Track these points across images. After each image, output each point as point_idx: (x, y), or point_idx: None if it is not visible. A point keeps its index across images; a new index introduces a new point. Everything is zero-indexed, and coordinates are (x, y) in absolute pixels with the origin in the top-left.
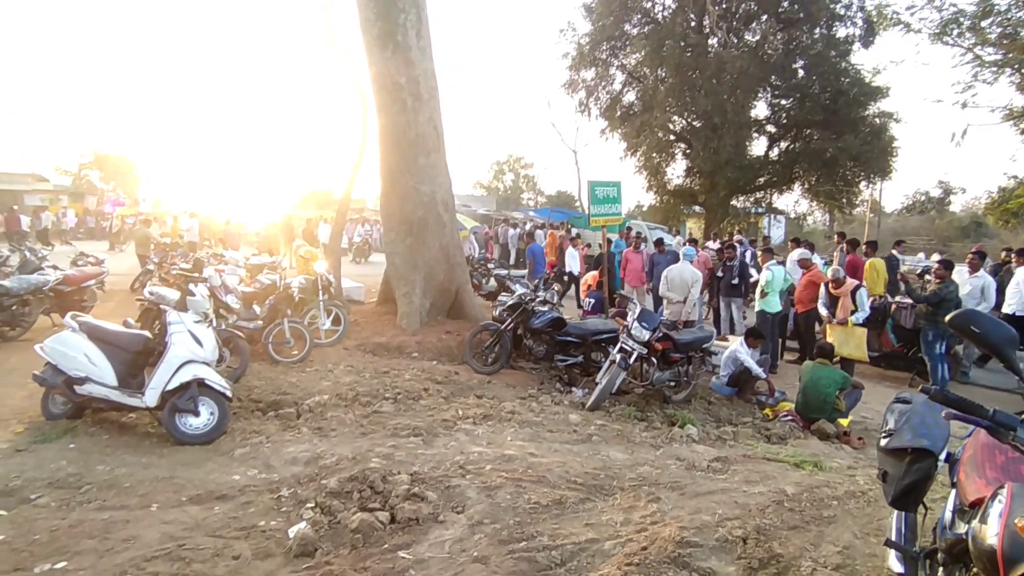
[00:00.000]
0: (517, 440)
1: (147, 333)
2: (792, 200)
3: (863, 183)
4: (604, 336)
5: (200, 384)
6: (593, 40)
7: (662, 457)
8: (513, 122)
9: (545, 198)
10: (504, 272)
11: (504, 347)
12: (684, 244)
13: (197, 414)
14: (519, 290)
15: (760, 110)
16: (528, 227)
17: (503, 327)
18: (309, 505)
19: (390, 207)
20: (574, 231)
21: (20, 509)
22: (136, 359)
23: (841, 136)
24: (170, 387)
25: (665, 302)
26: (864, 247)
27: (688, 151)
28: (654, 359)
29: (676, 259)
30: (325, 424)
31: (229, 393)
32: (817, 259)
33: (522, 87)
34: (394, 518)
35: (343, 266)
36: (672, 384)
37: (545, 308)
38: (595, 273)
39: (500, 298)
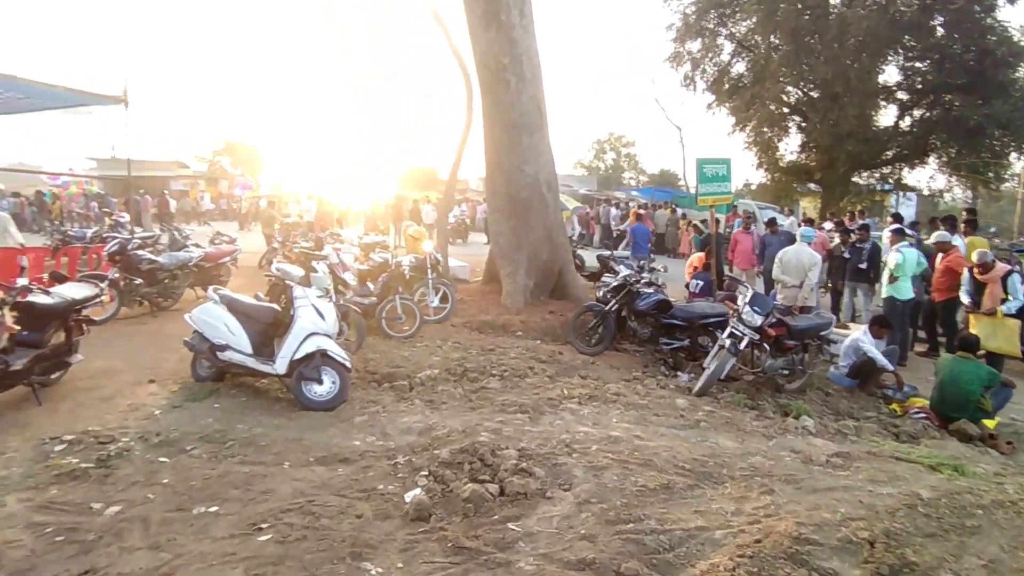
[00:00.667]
0: (623, 422)
1: (276, 306)
2: (926, 176)
3: (1013, 154)
4: (712, 320)
5: (323, 355)
6: (700, 9)
7: (775, 448)
8: (614, 99)
9: (647, 177)
10: (608, 253)
11: (608, 328)
12: (799, 224)
13: (321, 382)
14: (624, 271)
15: (890, 75)
16: (632, 206)
17: (607, 308)
18: (423, 473)
19: (495, 187)
20: (679, 211)
21: (179, 458)
22: (267, 330)
23: (988, 101)
24: (297, 356)
25: (778, 286)
26: (963, 225)
27: (804, 124)
28: (766, 345)
29: (790, 240)
30: (436, 397)
31: (349, 364)
32: (958, 240)
33: (623, 63)
34: (503, 491)
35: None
36: (786, 372)
37: (650, 290)
38: (701, 255)
39: (604, 279)
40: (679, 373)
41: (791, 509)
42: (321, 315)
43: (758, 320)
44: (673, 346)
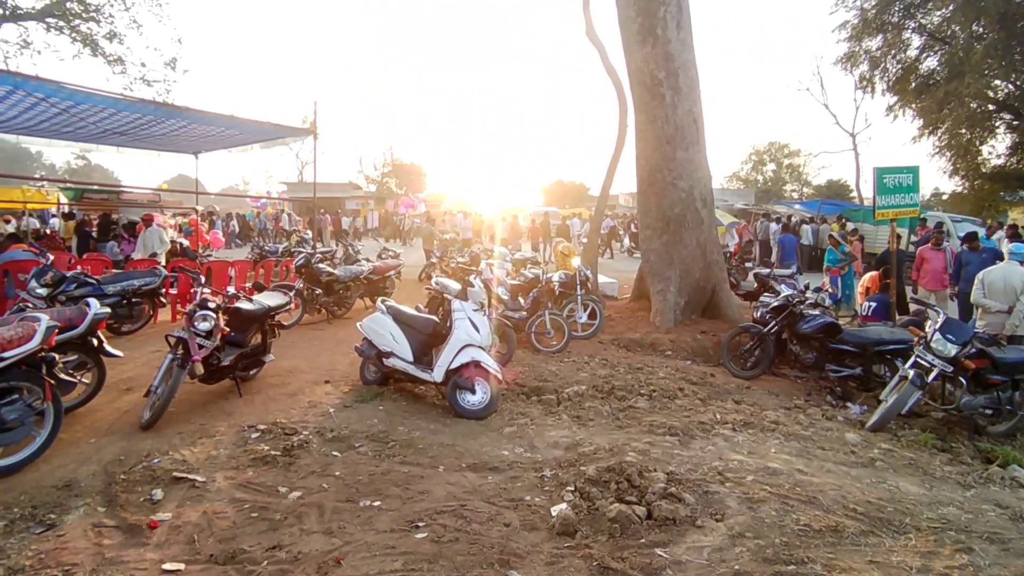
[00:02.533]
0: (782, 453)
1: (435, 318)
2: None
3: None
4: (890, 347)
5: (477, 365)
6: (881, 3)
7: (974, 499)
8: (773, 107)
9: (812, 189)
10: (766, 271)
11: (766, 351)
12: (1007, 239)
13: (474, 392)
14: (785, 291)
15: None
16: (795, 220)
17: (766, 330)
18: (569, 488)
19: (647, 203)
20: (850, 225)
21: (348, 453)
22: (427, 340)
23: None
24: (453, 366)
25: (979, 311)
26: None
27: (1015, 123)
28: (963, 379)
29: (996, 258)
30: (583, 413)
31: (500, 376)
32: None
33: (784, 68)
34: (651, 514)
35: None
36: (989, 412)
37: (815, 312)
38: (875, 273)
39: (763, 299)
40: (849, 404)
41: (994, 573)
42: (476, 328)
43: (952, 350)
44: (842, 374)
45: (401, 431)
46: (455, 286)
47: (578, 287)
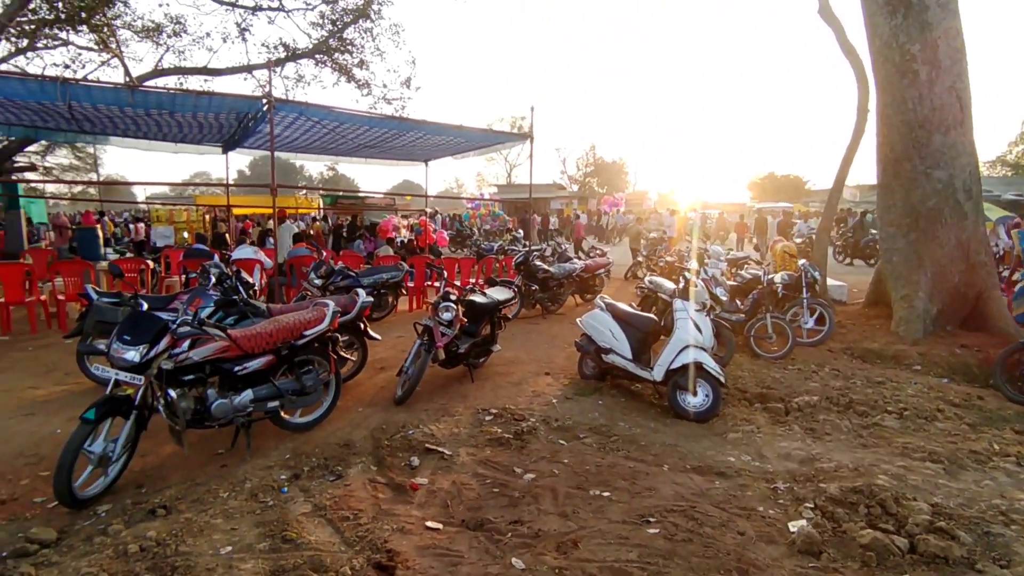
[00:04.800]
0: None
1: (655, 317)
2: None
3: None
4: None
5: (698, 367)
6: None
7: None
8: None
9: None
10: None
11: None
12: None
13: (695, 394)
14: None
15: None
16: None
17: None
18: (808, 505)
19: (890, 197)
20: None
21: (574, 444)
22: (646, 338)
23: None
24: (674, 366)
25: None
26: None
27: None
28: None
29: None
30: (817, 426)
31: (723, 379)
32: None
33: None
34: (914, 548)
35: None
36: None
37: None
38: None
39: None
40: None
41: None
42: (699, 328)
43: None
44: None
45: (622, 427)
46: (669, 285)
47: (804, 289)
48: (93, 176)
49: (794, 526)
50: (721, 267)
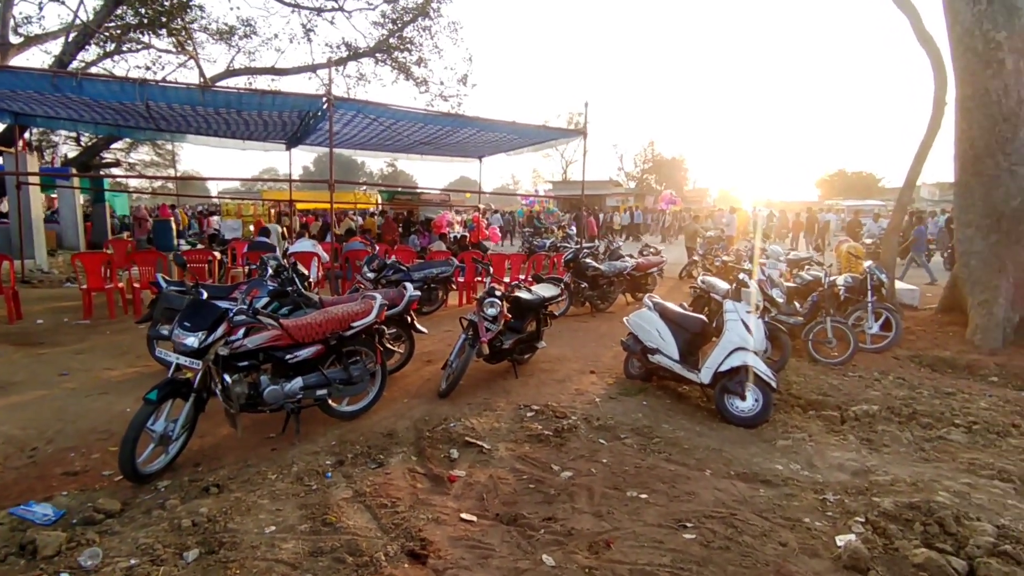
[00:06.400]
0: None
1: (703, 317)
2: None
3: None
4: None
5: (748, 370)
6: None
7: None
8: None
9: None
10: None
11: None
12: None
13: (744, 398)
14: None
15: None
16: None
17: None
18: (858, 519)
19: (969, 196)
20: None
21: (614, 444)
22: (694, 339)
23: None
24: (722, 369)
25: None
26: None
27: None
28: None
29: None
30: (875, 437)
31: (774, 384)
32: None
33: None
34: (972, 572)
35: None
36: None
37: None
38: None
39: None
40: None
41: None
42: (749, 330)
43: None
44: None
45: (665, 428)
46: (723, 285)
47: (869, 292)
48: (171, 171)
49: (841, 540)
50: (780, 267)
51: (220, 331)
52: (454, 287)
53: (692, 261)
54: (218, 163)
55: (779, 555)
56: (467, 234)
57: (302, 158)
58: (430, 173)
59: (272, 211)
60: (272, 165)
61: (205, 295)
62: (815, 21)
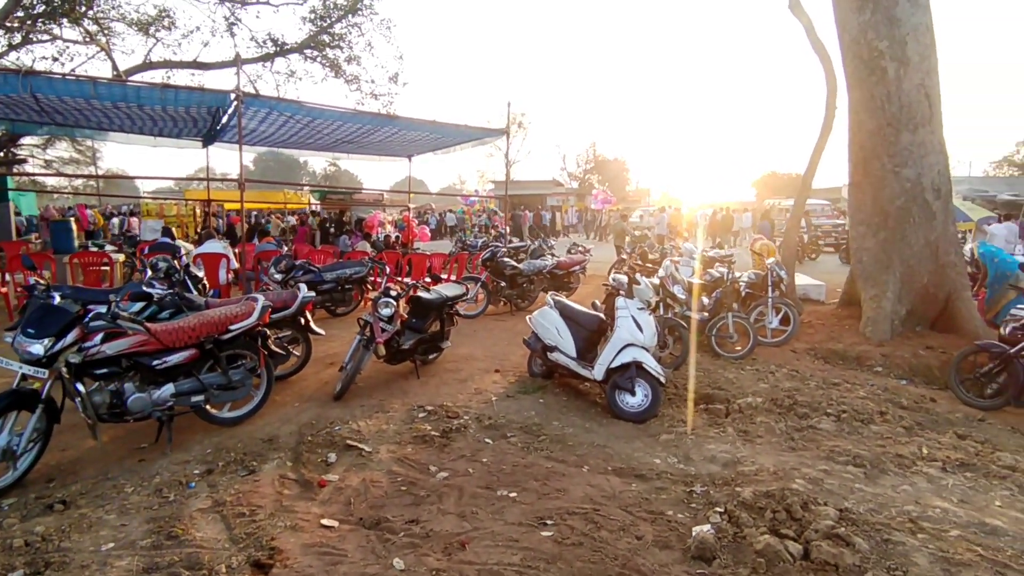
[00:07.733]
0: (1011, 509)
1: (602, 315)
2: None
3: None
4: None
5: (638, 366)
6: None
7: None
8: None
9: None
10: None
11: (1015, 377)
12: None
13: (633, 393)
14: None
15: None
16: None
17: (1014, 350)
18: (718, 509)
19: (860, 196)
20: None
21: (499, 442)
22: (592, 337)
23: None
24: (613, 365)
25: None
26: None
27: None
28: None
29: None
30: (752, 428)
31: (663, 379)
32: None
33: None
34: (807, 554)
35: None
36: None
37: None
38: None
39: (1014, 311)
40: None
41: None
42: (639, 327)
43: None
44: None
45: (555, 426)
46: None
47: (769, 288)
48: (92, 170)
49: (696, 531)
50: (693, 265)
51: (70, 337)
52: (372, 287)
53: (620, 260)
54: (150, 162)
55: (631, 549)
56: (399, 234)
57: (244, 157)
58: (375, 173)
59: (197, 211)
60: (211, 164)
61: (57, 299)
62: (745, 29)
